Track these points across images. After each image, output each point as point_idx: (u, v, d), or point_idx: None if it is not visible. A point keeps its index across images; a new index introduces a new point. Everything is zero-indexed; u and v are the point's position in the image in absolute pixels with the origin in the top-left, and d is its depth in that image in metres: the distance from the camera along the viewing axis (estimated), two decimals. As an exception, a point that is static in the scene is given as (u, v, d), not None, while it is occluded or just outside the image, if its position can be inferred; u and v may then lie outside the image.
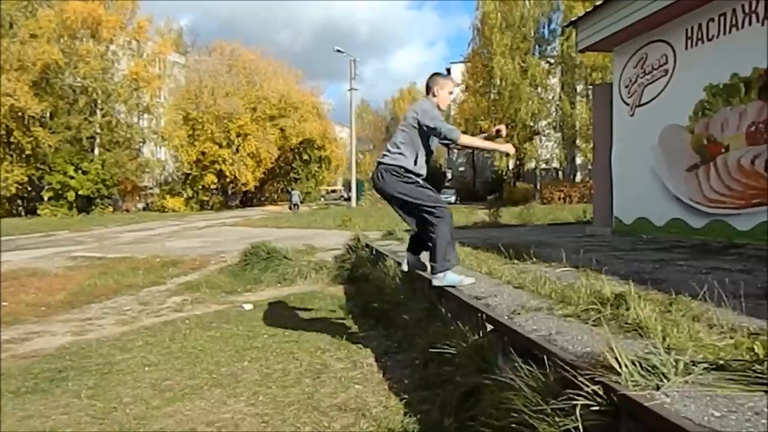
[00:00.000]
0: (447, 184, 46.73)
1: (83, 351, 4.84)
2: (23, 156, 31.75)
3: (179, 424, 3.15)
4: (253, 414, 3.24)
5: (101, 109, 34.30)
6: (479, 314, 3.13)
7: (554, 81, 36.93)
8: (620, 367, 1.81)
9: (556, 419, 1.89)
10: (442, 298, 4.05)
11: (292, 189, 40.45)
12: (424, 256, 4.10)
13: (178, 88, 40.60)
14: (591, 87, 22.85)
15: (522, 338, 2.57)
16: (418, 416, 2.99)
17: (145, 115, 37.92)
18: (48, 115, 32.23)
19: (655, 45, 7.77)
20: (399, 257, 6.13)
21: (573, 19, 9.82)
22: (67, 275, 9.46)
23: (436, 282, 3.87)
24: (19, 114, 30.19)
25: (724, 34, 6.59)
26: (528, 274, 4.06)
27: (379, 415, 3.09)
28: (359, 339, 4.77)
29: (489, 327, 3.02)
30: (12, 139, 30.97)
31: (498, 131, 4.07)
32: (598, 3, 8.38)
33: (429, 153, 3.95)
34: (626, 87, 8.45)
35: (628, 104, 8.41)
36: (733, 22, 6.45)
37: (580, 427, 1.78)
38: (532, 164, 38.32)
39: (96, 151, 34.25)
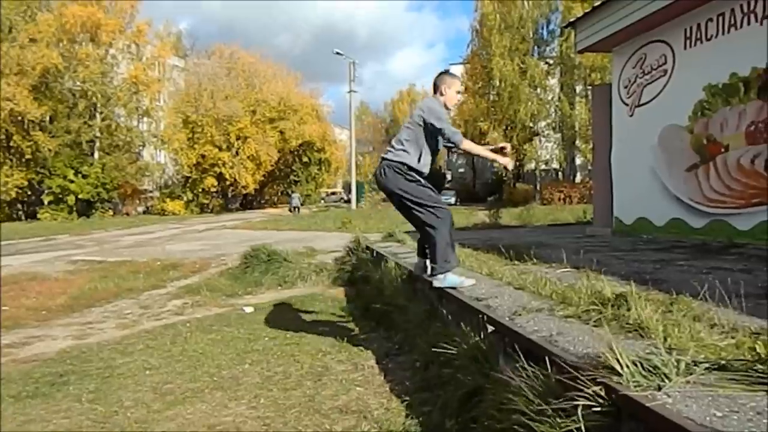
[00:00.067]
0: (447, 185, 46.70)
1: (84, 355, 4.84)
2: (23, 160, 31.79)
3: (180, 428, 3.15)
4: (255, 417, 3.24)
5: (101, 113, 34.33)
6: (480, 315, 3.13)
7: (553, 82, 36.96)
8: (621, 367, 1.81)
9: (558, 420, 1.88)
10: (443, 300, 4.05)
11: (293, 191, 40.49)
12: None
13: (178, 92, 40.64)
14: (590, 87, 22.87)
15: (523, 339, 2.56)
16: (420, 418, 2.98)
17: (145, 119, 37.95)
18: (48, 119, 32.26)
19: (654, 45, 7.78)
20: (399, 259, 6.13)
21: (572, 19, 9.84)
22: (67, 279, 9.45)
23: (436, 283, 3.87)
24: (19, 118, 30.23)
25: (723, 34, 6.60)
26: (529, 275, 4.06)
27: (381, 417, 3.09)
28: (360, 341, 4.77)
29: (490, 328, 3.02)
30: (12, 144, 30.99)
31: (502, 148, 4.07)
32: (596, 4, 8.39)
33: (435, 152, 3.94)
34: (625, 87, 8.46)
35: (627, 104, 8.42)
36: (732, 22, 6.46)
37: (582, 427, 1.78)
38: (532, 165, 38.31)
39: (96, 155, 34.28)
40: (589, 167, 31.59)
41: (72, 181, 31.29)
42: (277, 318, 5.87)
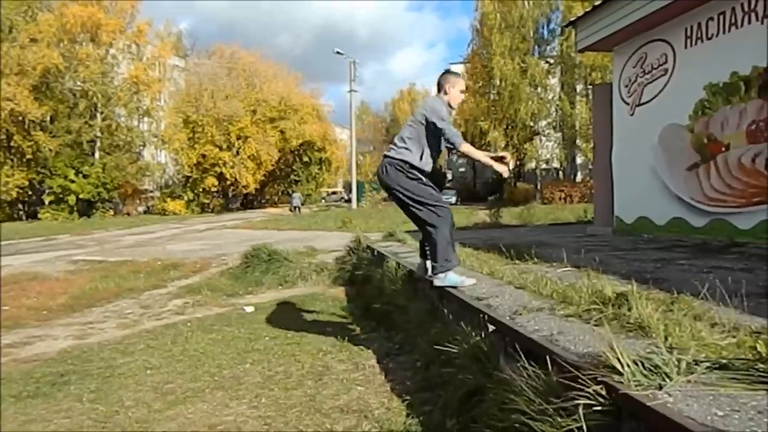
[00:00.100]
0: (448, 184, 46.68)
1: (85, 355, 4.84)
2: (24, 160, 31.82)
3: (181, 427, 3.15)
4: (256, 416, 3.24)
5: (101, 113, 34.35)
6: (481, 315, 3.13)
7: (554, 81, 36.91)
8: (622, 366, 1.81)
9: (559, 420, 1.88)
10: (444, 299, 4.05)
11: (293, 191, 40.48)
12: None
13: (178, 92, 40.66)
14: (591, 87, 22.88)
15: (524, 339, 2.56)
16: (421, 418, 2.98)
17: (146, 119, 37.97)
18: (48, 119, 32.28)
19: (655, 44, 7.77)
20: (400, 258, 6.13)
21: (572, 19, 9.82)
22: (68, 279, 9.46)
23: (437, 282, 3.87)
24: (20, 118, 30.25)
25: (724, 32, 6.59)
26: (529, 275, 4.06)
27: (382, 417, 3.09)
28: (361, 341, 4.77)
29: (491, 328, 3.02)
30: (12, 144, 31.02)
31: (502, 157, 4.06)
32: (597, 3, 8.38)
33: (437, 151, 3.93)
34: (626, 86, 8.45)
35: (628, 104, 8.41)
36: (733, 20, 6.45)
37: (583, 427, 1.78)
38: (533, 164, 38.26)
39: (96, 155, 34.30)
40: (590, 166, 31.58)
41: (73, 181, 31.31)
42: (277, 317, 5.87)
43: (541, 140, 37.64)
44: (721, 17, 6.60)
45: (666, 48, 7.56)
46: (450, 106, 3.93)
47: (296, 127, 42.23)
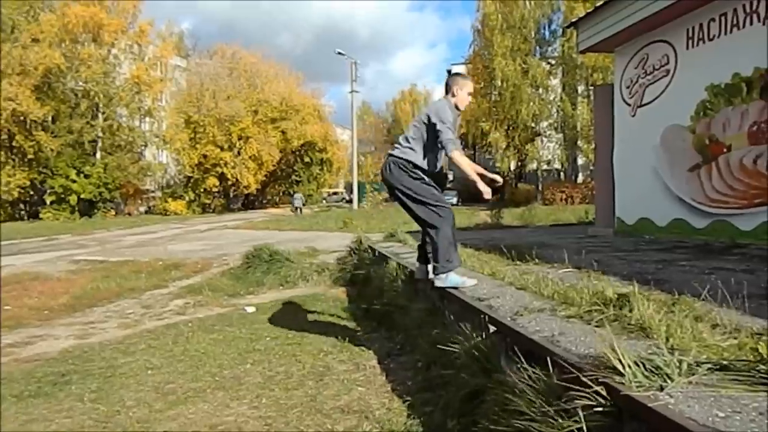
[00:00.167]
0: (449, 185, 46.70)
1: (86, 354, 4.85)
2: (25, 160, 31.86)
3: (182, 428, 3.15)
4: (256, 417, 3.24)
5: (103, 113, 34.38)
6: (482, 316, 3.13)
7: (555, 82, 36.88)
8: (623, 367, 1.81)
9: (560, 421, 1.88)
10: (445, 300, 4.05)
11: (295, 192, 40.46)
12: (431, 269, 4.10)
13: (180, 92, 40.71)
14: (592, 88, 22.83)
15: (525, 339, 2.56)
16: (421, 418, 2.98)
17: (147, 119, 38.01)
18: (50, 119, 32.31)
19: (656, 45, 7.77)
20: (401, 259, 6.13)
21: (574, 20, 9.83)
22: (69, 279, 9.47)
23: (438, 283, 3.87)
24: (21, 118, 30.30)
25: (725, 33, 6.59)
26: (530, 276, 4.06)
27: (382, 417, 3.09)
28: (362, 341, 4.77)
29: (492, 328, 3.02)
30: (14, 144, 31.07)
31: (493, 180, 4.12)
32: (598, 3, 8.38)
33: (441, 151, 3.93)
34: (627, 87, 8.45)
35: (629, 105, 8.41)
36: (734, 21, 6.45)
37: (584, 428, 1.78)
38: (534, 165, 38.25)
39: (98, 155, 34.33)
40: (591, 167, 31.56)
41: (74, 181, 31.34)
42: (278, 318, 5.88)
43: (542, 141, 37.62)
44: (723, 18, 6.60)
45: (668, 49, 7.56)
46: (457, 108, 3.94)
47: (297, 127, 42.26)
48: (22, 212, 33.46)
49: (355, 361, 4.23)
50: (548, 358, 2.22)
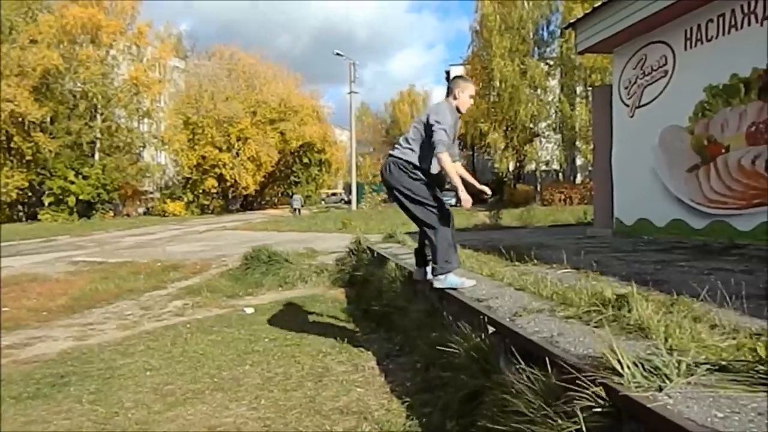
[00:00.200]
0: (447, 186, 46.71)
1: (85, 356, 4.84)
2: (24, 161, 31.79)
3: (181, 429, 3.15)
4: (255, 418, 3.24)
5: (101, 114, 34.34)
6: (481, 316, 3.13)
7: (554, 83, 36.89)
8: (622, 368, 1.81)
9: (559, 421, 1.88)
10: (444, 301, 4.05)
11: (293, 193, 40.43)
12: (429, 271, 4.10)
13: (178, 93, 40.66)
14: (591, 88, 22.85)
15: (524, 340, 2.56)
16: (420, 419, 2.98)
17: (146, 120, 37.94)
18: (48, 120, 32.25)
19: (655, 46, 7.78)
20: (400, 260, 6.13)
21: (572, 20, 9.84)
22: (68, 280, 9.46)
23: (437, 284, 3.87)
24: (20, 119, 30.23)
25: (724, 34, 6.60)
26: (529, 276, 4.06)
27: (381, 419, 3.09)
28: (360, 342, 4.77)
29: (491, 329, 3.02)
30: (12, 145, 30.99)
31: (482, 191, 4.16)
32: (597, 4, 8.39)
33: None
34: (626, 88, 8.46)
35: (627, 105, 8.42)
36: (732, 22, 6.46)
37: (583, 429, 1.78)
38: (533, 166, 38.24)
39: (96, 156, 34.27)
40: (590, 168, 31.57)
41: (72, 183, 31.29)
42: (277, 319, 5.87)
43: (540, 142, 37.62)
44: (721, 19, 6.61)
45: (666, 50, 7.57)
46: (459, 110, 3.94)
47: (296, 128, 42.23)
48: (21, 213, 33.40)
49: (354, 362, 4.23)
50: (547, 359, 2.22)
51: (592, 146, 11.91)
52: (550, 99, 36.57)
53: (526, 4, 35.45)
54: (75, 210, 31.85)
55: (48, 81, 31.74)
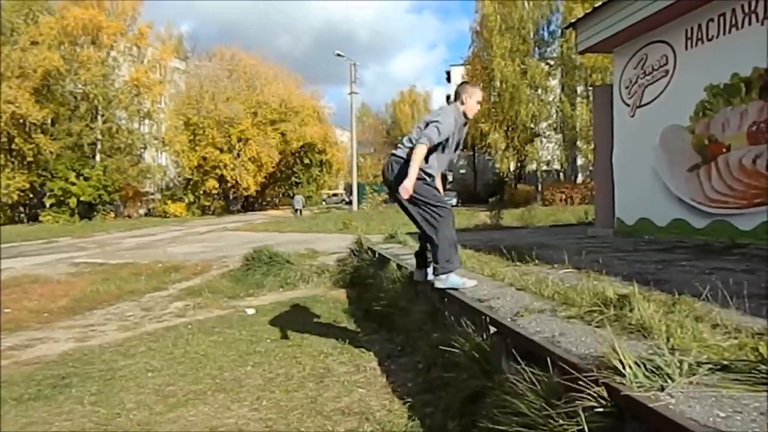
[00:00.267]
0: (448, 186, 46.74)
1: (86, 357, 4.84)
2: (25, 163, 31.81)
3: (183, 430, 3.15)
4: (257, 419, 3.24)
5: (102, 116, 34.35)
6: (482, 317, 3.13)
7: (554, 83, 36.91)
8: (624, 368, 1.81)
9: (560, 421, 1.88)
10: (445, 301, 4.05)
11: (295, 193, 40.44)
12: (430, 272, 4.10)
13: (179, 94, 40.66)
14: (591, 88, 22.84)
15: (525, 340, 2.56)
16: (422, 420, 2.98)
17: (146, 121, 37.96)
18: (49, 121, 32.27)
19: (655, 46, 7.77)
20: (401, 260, 6.13)
21: (572, 20, 9.83)
22: (69, 281, 9.46)
23: (438, 284, 3.87)
24: (21, 121, 30.26)
25: (724, 34, 6.59)
26: (530, 276, 4.06)
27: (383, 419, 3.09)
28: (362, 343, 4.77)
29: (492, 329, 3.02)
30: (13, 146, 31.02)
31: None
32: (597, 4, 8.39)
33: (444, 155, 3.93)
34: (627, 88, 8.46)
35: (628, 105, 8.41)
36: (733, 22, 6.45)
37: (585, 429, 1.78)
38: (533, 166, 38.28)
39: (97, 158, 34.30)
40: (591, 168, 31.56)
41: (74, 184, 31.30)
42: (278, 320, 5.87)
43: (541, 142, 37.65)
44: (722, 18, 6.60)
45: (666, 49, 7.56)
46: (465, 116, 3.94)
47: (297, 129, 42.23)
48: (22, 215, 33.41)
49: (356, 362, 4.23)
50: (549, 359, 2.22)
51: (592, 146, 11.90)
52: (550, 99, 36.61)
53: (526, 4, 35.48)
54: (76, 211, 31.87)
55: (49, 82, 31.77)
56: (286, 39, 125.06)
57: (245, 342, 5.06)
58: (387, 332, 5.02)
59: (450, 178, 51.72)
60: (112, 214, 34.81)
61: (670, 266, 4.77)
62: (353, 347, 4.60)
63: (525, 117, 34.14)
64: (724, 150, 6.63)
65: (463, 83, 4.12)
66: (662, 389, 1.71)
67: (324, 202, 51.68)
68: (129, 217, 36.82)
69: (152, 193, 41.32)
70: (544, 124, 37.02)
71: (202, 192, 38.89)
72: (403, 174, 3.81)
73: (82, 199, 31.65)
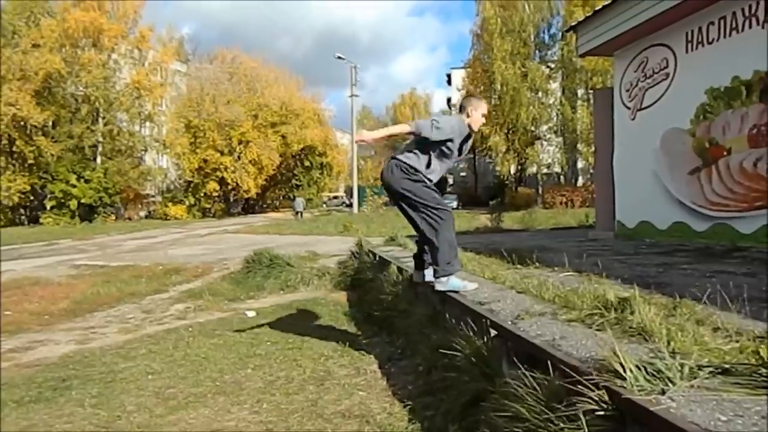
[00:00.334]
0: (449, 189, 46.77)
1: (86, 360, 4.84)
2: (26, 165, 31.82)
3: (183, 433, 3.14)
4: (257, 422, 3.23)
5: (103, 118, 34.37)
6: (483, 319, 3.13)
7: (555, 86, 36.92)
8: (625, 371, 1.81)
9: (561, 425, 1.88)
10: (446, 304, 4.05)
11: (295, 196, 40.44)
12: (429, 273, 4.10)
13: (180, 96, 40.72)
14: (592, 91, 22.85)
15: (526, 343, 2.56)
16: (423, 423, 2.98)
17: (147, 124, 37.97)
18: (50, 124, 32.27)
19: (656, 49, 7.78)
20: (401, 263, 6.13)
21: (573, 23, 9.84)
22: (70, 284, 9.47)
23: (439, 287, 3.87)
24: (22, 123, 30.28)
25: (725, 37, 6.60)
26: (531, 279, 4.06)
27: (383, 422, 3.08)
28: (362, 345, 4.77)
29: (493, 332, 3.01)
30: (14, 149, 31.05)
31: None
32: (598, 7, 8.40)
33: (445, 160, 3.93)
34: (627, 91, 8.46)
35: (629, 108, 8.42)
36: (734, 25, 6.46)
37: (586, 432, 1.77)
38: (534, 169, 38.27)
39: (98, 160, 34.32)
40: (591, 171, 31.56)
41: (74, 186, 31.32)
42: (279, 322, 5.87)
43: (542, 145, 37.63)
44: (722, 21, 6.61)
45: (667, 52, 7.57)
46: (471, 128, 3.95)
47: (297, 131, 42.26)
48: (23, 217, 33.41)
49: (356, 365, 4.23)
50: (549, 362, 2.22)
51: (593, 149, 11.90)
52: (551, 102, 36.61)
53: (527, 7, 35.50)
54: (77, 214, 31.89)
55: (50, 85, 31.80)
56: (286, 41, 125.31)
57: (246, 345, 5.05)
58: (387, 335, 5.01)
59: (450, 180, 51.75)
60: (113, 217, 34.83)
61: (671, 269, 4.77)
62: (354, 350, 4.60)
63: (525, 120, 34.15)
64: (725, 153, 6.63)
65: (468, 96, 4.13)
66: (663, 393, 1.70)
67: (324, 205, 51.67)
68: (130, 219, 36.82)
69: (153, 196, 41.32)
70: (544, 127, 37.03)
71: (202, 194, 38.90)
72: (403, 176, 3.82)
73: (82, 201, 31.66)
